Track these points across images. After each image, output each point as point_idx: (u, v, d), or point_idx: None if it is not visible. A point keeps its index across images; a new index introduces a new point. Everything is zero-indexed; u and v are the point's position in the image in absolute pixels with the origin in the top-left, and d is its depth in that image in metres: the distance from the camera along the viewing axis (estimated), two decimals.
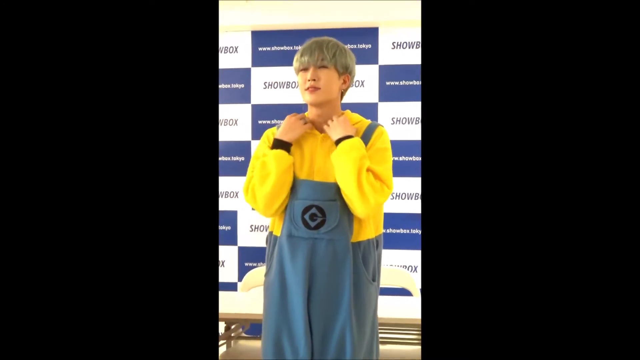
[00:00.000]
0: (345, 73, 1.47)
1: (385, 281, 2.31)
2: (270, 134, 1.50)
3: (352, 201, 1.35)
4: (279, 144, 1.42)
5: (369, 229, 1.42)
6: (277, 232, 1.44)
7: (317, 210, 1.37)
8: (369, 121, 1.49)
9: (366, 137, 1.43)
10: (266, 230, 1.52)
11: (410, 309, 2.03)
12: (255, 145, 3.11)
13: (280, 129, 1.46)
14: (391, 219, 3.02)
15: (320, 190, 1.38)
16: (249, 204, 1.44)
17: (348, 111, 1.50)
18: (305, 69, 1.45)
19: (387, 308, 1.95)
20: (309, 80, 1.42)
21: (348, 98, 1.56)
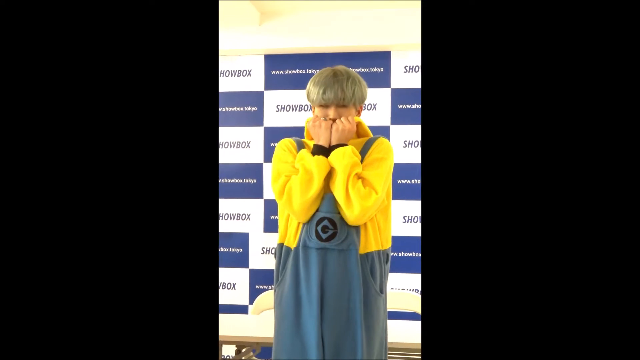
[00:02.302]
0: (361, 104, 1.53)
1: (395, 305, 2.29)
2: (288, 144, 1.52)
3: (341, 207, 1.37)
4: (318, 150, 1.43)
5: (373, 241, 1.43)
6: (290, 244, 1.45)
7: (328, 223, 1.39)
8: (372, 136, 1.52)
9: (366, 148, 1.46)
10: None
11: (419, 333, 1.99)
12: (267, 167, 3.13)
13: (314, 136, 1.47)
14: (403, 242, 3.00)
15: (332, 203, 1.40)
16: (284, 207, 1.44)
17: (361, 120, 1.52)
18: (326, 106, 1.47)
19: (397, 333, 1.92)
20: (330, 119, 1.46)
21: None
